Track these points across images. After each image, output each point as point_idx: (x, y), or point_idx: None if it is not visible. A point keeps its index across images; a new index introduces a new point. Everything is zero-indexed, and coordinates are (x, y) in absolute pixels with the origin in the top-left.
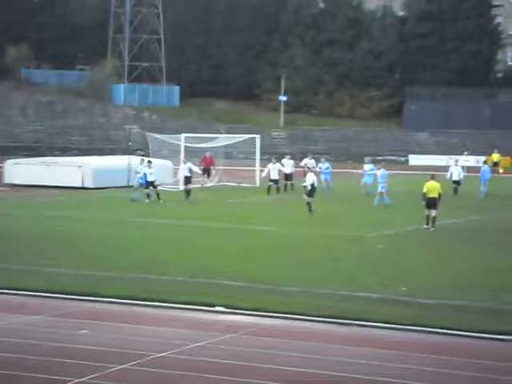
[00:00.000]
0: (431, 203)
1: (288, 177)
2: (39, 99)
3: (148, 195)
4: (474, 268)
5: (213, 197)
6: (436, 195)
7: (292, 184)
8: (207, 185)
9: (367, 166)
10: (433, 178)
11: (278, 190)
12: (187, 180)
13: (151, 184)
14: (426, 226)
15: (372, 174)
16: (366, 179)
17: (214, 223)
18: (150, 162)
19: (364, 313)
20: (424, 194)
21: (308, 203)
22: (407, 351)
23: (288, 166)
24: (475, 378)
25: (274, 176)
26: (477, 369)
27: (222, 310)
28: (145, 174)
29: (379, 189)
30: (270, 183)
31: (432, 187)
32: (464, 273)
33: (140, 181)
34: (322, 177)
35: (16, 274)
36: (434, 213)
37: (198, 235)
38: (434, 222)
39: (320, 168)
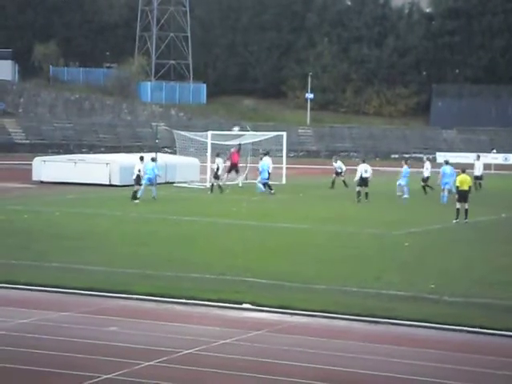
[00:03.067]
0: (462, 196)
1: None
2: (67, 97)
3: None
4: (502, 266)
5: (239, 194)
6: (467, 188)
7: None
8: (239, 183)
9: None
10: (464, 171)
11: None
12: (215, 175)
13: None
14: (455, 220)
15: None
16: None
17: (240, 220)
18: (141, 158)
19: (392, 311)
20: (457, 187)
21: (358, 191)
22: (441, 350)
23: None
24: (508, 377)
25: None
26: (505, 367)
27: (249, 307)
28: (152, 169)
29: (443, 186)
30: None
31: (463, 180)
32: (492, 271)
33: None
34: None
35: (46, 272)
36: (466, 205)
37: (225, 232)
38: (466, 215)
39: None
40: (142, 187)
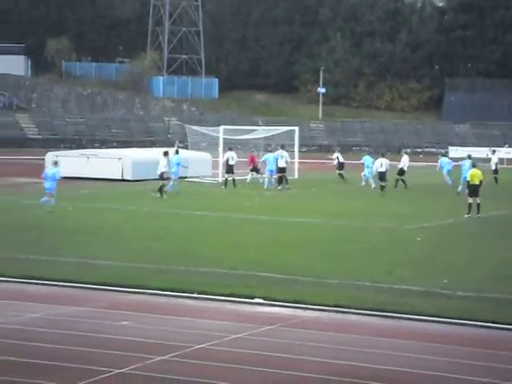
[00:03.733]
0: (473, 190)
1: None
2: (79, 92)
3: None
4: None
5: (251, 189)
6: (478, 182)
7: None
8: (260, 180)
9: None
10: (474, 166)
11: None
12: (230, 169)
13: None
14: (467, 215)
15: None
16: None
17: (252, 215)
18: (165, 153)
19: (404, 305)
20: (468, 182)
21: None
22: (454, 344)
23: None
24: None
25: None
26: None
27: (261, 301)
28: (177, 164)
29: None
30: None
31: (474, 174)
32: (504, 266)
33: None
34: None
35: (60, 266)
36: (477, 200)
37: (237, 227)
38: (479, 209)
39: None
40: (171, 182)
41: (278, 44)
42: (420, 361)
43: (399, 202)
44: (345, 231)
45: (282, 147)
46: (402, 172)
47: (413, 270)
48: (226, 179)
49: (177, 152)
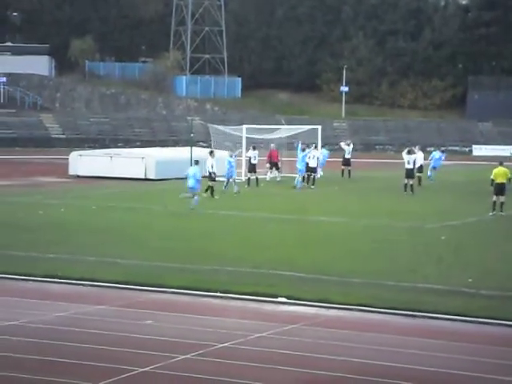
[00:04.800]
0: (499, 189)
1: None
2: (103, 92)
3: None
4: None
5: (276, 188)
6: (504, 180)
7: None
8: (278, 178)
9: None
10: (501, 164)
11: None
12: (252, 168)
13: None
14: (491, 213)
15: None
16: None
17: (275, 214)
18: (211, 152)
19: (428, 304)
20: (492, 180)
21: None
22: (478, 343)
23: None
24: None
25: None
26: None
27: (284, 300)
28: (230, 163)
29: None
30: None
31: (500, 173)
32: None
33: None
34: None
35: (83, 265)
36: (502, 198)
37: (260, 226)
38: (502, 208)
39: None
40: (229, 181)
41: (300, 43)
42: (445, 360)
43: (422, 201)
44: (368, 230)
45: (315, 147)
46: (420, 169)
47: (436, 268)
48: (249, 178)
49: (230, 156)
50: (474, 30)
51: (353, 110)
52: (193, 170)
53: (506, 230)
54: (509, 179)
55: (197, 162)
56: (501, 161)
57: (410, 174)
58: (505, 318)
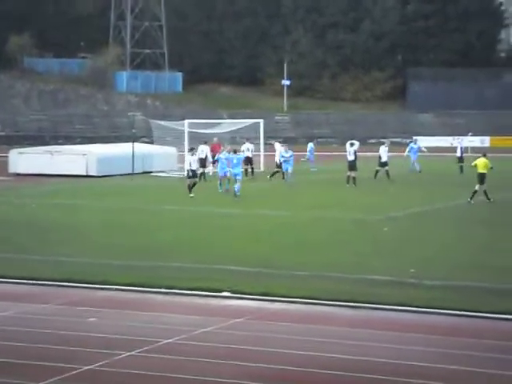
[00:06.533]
0: (481, 178)
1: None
2: (42, 88)
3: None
4: (482, 249)
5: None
6: (485, 171)
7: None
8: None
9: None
10: (484, 155)
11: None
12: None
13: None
14: (470, 200)
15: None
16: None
17: (220, 209)
18: (191, 149)
19: (373, 295)
20: (475, 168)
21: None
22: (422, 333)
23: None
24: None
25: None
26: (489, 349)
27: (228, 295)
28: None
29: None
30: (378, 168)
31: (482, 163)
32: (471, 254)
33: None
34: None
35: (25, 264)
36: (484, 187)
37: (204, 220)
38: (487, 195)
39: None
40: (238, 183)
41: (241, 37)
42: (389, 350)
43: (369, 193)
44: (314, 223)
45: (247, 139)
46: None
47: (380, 260)
48: (246, 170)
49: (234, 151)
50: (413, 22)
51: (295, 103)
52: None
53: (450, 220)
54: (490, 168)
55: (235, 151)
56: (484, 152)
57: (352, 166)
58: (447, 308)
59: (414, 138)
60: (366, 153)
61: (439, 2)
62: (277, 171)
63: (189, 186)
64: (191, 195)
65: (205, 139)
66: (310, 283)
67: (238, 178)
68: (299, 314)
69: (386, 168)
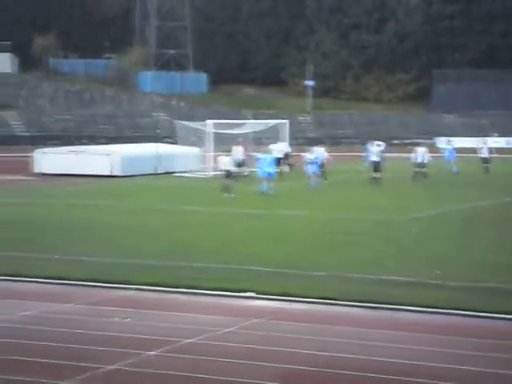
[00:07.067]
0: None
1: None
2: (67, 88)
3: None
4: (506, 250)
5: (242, 183)
6: None
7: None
8: (245, 173)
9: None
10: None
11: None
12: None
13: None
14: None
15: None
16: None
17: (243, 209)
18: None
19: (394, 296)
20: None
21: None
22: (447, 335)
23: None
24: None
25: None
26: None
27: (252, 295)
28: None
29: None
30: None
31: None
32: (495, 256)
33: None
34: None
35: (49, 263)
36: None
37: (226, 222)
38: None
39: (308, 159)
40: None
41: (265, 37)
42: (411, 351)
43: (389, 194)
44: (333, 224)
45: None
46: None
47: (403, 261)
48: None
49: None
50: (438, 23)
51: (319, 103)
52: (269, 158)
53: (472, 221)
54: None
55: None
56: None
57: (377, 167)
58: (470, 309)
59: (448, 138)
60: (393, 154)
61: (463, 3)
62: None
63: (225, 186)
64: (231, 195)
65: (230, 139)
66: (330, 284)
67: (270, 177)
68: (320, 315)
69: (424, 170)
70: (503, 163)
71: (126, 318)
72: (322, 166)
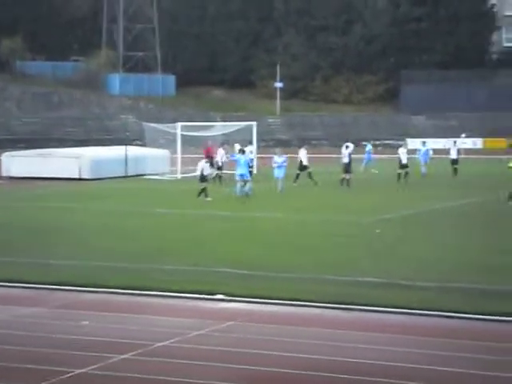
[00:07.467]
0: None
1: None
2: (34, 91)
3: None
4: (476, 250)
5: (213, 185)
6: None
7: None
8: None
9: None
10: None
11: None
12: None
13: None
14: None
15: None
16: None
17: (214, 211)
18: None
19: (364, 297)
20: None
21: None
22: (416, 335)
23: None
24: (486, 360)
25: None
26: (484, 350)
27: (222, 297)
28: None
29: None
30: (400, 171)
31: None
32: (466, 256)
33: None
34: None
35: (16, 267)
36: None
37: (197, 224)
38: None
39: (276, 162)
40: (249, 184)
41: (234, 39)
42: (381, 352)
43: (363, 195)
44: (305, 226)
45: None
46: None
47: (373, 262)
48: (216, 176)
49: (243, 152)
50: (405, 25)
51: (288, 105)
52: (243, 159)
53: (440, 222)
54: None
55: (243, 151)
56: None
57: (346, 168)
58: (445, 310)
59: (422, 140)
60: (361, 155)
61: (430, 5)
62: (298, 174)
63: (201, 189)
64: (208, 198)
65: (199, 142)
66: (303, 285)
67: (246, 178)
68: (293, 317)
69: (407, 170)
70: (472, 164)
71: (85, 321)
72: (305, 167)
